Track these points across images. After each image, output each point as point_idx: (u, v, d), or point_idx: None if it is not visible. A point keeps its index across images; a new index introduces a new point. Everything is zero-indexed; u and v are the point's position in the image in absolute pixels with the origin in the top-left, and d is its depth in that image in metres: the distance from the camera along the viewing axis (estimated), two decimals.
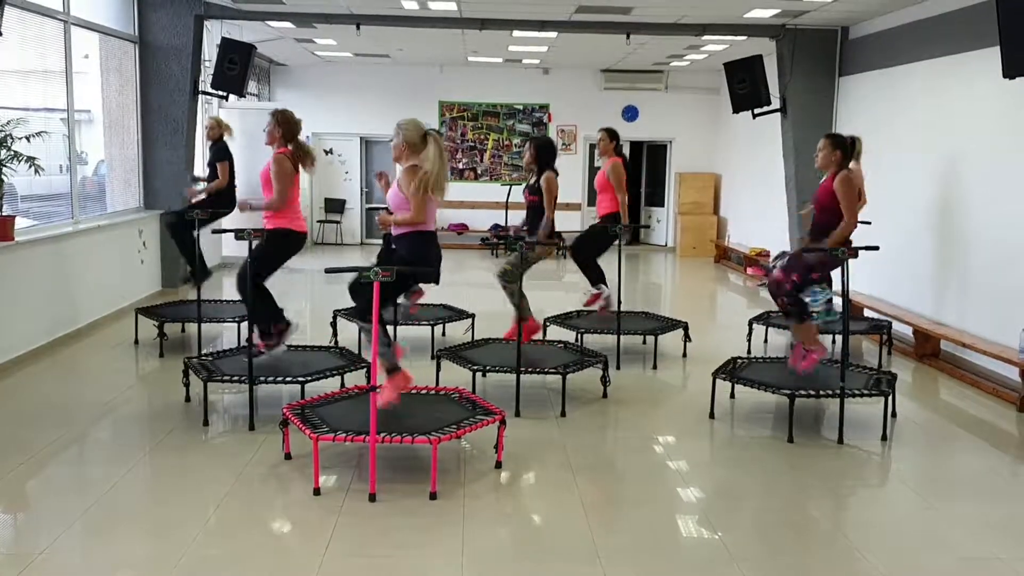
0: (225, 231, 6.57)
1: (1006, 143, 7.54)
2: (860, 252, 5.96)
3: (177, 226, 8.55)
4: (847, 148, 6.17)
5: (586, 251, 8.22)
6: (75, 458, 5.47)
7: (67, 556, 4.06)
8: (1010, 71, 5.99)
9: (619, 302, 7.92)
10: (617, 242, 7.77)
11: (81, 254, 8.44)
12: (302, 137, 6.33)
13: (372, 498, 4.65)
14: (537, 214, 6.94)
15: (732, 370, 6.53)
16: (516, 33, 11.69)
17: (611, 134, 8.20)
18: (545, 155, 6.79)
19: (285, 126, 6.14)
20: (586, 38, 12.14)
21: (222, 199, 8.59)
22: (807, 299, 6.35)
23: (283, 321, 6.43)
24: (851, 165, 6.26)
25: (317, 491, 4.75)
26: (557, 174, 7.23)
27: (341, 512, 4.52)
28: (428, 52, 14.51)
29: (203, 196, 8.79)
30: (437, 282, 5.46)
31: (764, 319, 8.51)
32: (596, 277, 8.20)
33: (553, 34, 11.80)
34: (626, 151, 8.87)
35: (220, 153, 8.67)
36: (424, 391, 5.78)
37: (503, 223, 15.93)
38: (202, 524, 4.36)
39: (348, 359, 6.59)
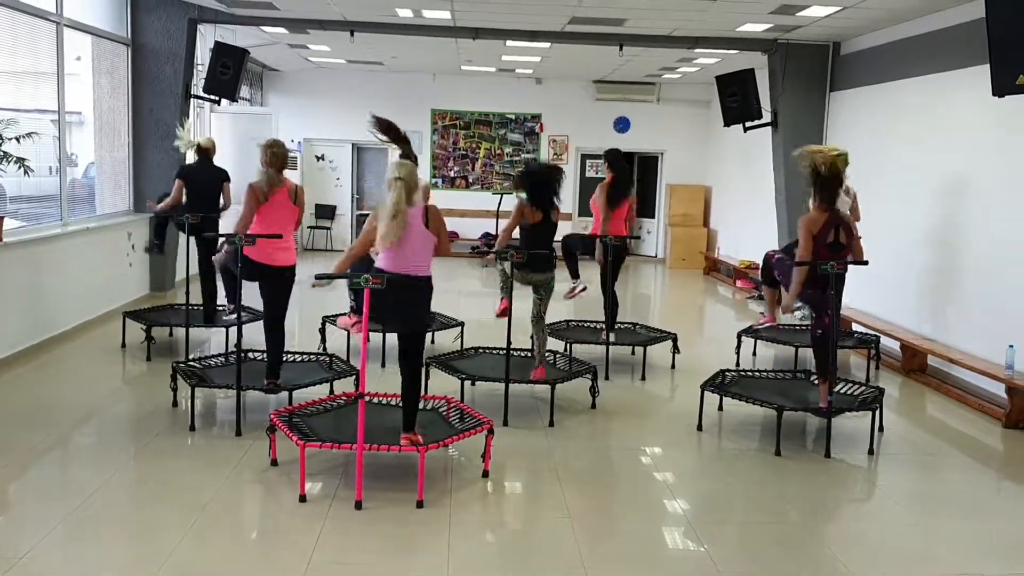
0: (216, 235, 6.55)
1: (995, 160, 7.60)
2: (849, 267, 5.99)
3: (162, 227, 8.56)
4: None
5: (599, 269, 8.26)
6: (59, 461, 5.44)
7: (48, 560, 4.03)
8: (999, 90, 6.03)
9: (613, 314, 7.97)
10: (609, 255, 7.84)
11: (69, 256, 8.40)
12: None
13: (358, 506, 4.63)
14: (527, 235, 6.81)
15: (720, 382, 6.55)
16: (509, 43, 11.72)
17: (605, 156, 8.20)
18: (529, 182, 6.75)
19: (269, 152, 6.10)
20: (579, 49, 12.17)
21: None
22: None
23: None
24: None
25: (303, 498, 4.72)
26: (534, 206, 6.93)
27: (327, 519, 4.50)
28: (421, 60, 14.52)
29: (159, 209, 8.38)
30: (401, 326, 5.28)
31: (752, 332, 8.53)
32: (576, 272, 8.22)
33: (546, 44, 11.83)
34: None
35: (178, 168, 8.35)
36: None
37: (494, 232, 15.93)
38: (186, 529, 4.33)
39: (336, 366, 6.59)
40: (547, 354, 7.19)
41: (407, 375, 5.20)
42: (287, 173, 6.26)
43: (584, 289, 8.01)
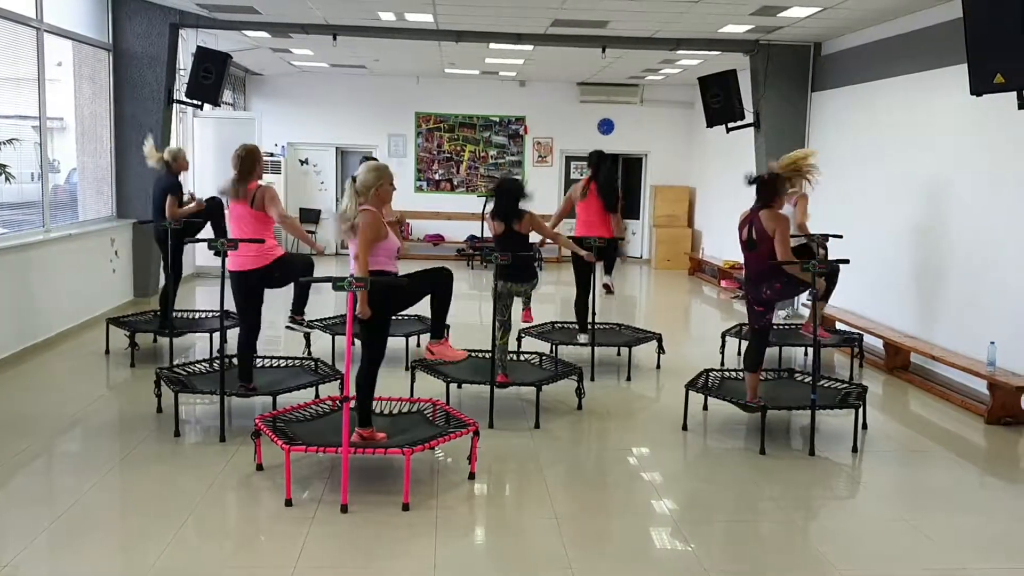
0: (202, 241, 6.53)
1: (975, 158, 7.66)
2: (831, 265, 6.03)
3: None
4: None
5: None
6: (42, 469, 5.41)
7: (32, 569, 4.00)
8: (977, 88, 6.07)
9: (594, 313, 7.99)
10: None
11: (52, 263, 8.34)
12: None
13: (344, 509, 4.63)
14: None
15: (705, 382, 6.58)
16: (492, 45, 11.73)
17: (588, 160, 8.33)
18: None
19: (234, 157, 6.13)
20: (562, 51, 12.20)
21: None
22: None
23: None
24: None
25: (289, 502, 4.72)
26: (493, 216, 6.80)
27: (313, 523, 4.50)
28: (405, 63, 14.52)
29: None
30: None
31: (737, 332, 8.56)
32: (582, 325, 8.17)
33: (529, 47, 11.85)
34: None
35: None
36: (398, 402, 5.77)
37: (479, 235, 15.93)
38: (172, 535, 4.31)
39: (321, 370, 6.58)
40: (533, 358, 7.24)
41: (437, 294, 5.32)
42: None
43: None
